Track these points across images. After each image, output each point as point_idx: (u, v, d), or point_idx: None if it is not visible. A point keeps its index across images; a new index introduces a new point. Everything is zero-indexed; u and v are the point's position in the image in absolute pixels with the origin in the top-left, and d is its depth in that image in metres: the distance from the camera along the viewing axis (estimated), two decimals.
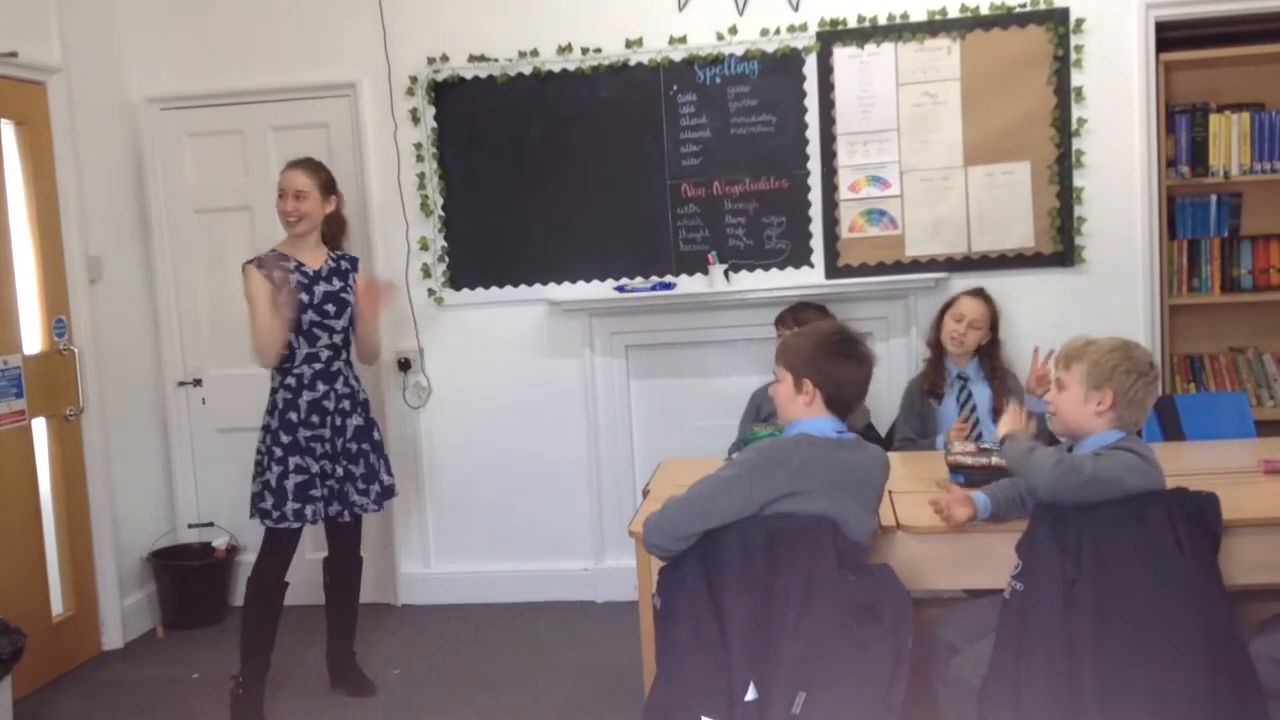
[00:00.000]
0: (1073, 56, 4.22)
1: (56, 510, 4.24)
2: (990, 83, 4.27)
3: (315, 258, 3.65)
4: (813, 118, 4.39)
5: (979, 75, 4.28)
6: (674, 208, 4.50)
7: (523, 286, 4.61)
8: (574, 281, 4.58)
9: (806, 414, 2.55)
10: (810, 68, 4.38)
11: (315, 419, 3.57)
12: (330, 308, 3.60)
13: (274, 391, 3.60)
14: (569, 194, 4.54)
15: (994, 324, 3.88)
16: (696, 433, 4.49)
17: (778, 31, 4.38)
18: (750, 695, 2.36)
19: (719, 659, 2.38)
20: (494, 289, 4.63)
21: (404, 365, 4.70)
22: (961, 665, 2.63)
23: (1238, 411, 3.85)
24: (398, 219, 4.64)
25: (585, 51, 4.47)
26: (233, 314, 4.22)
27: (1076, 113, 4.25)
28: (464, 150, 4.59)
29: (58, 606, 4.24)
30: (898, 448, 3.83)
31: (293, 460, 3.54)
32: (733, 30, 4.40)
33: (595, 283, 4.56)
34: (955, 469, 2.97)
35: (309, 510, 3.55)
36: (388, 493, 3.76)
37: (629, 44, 4.45)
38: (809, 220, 4.44)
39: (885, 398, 4.12)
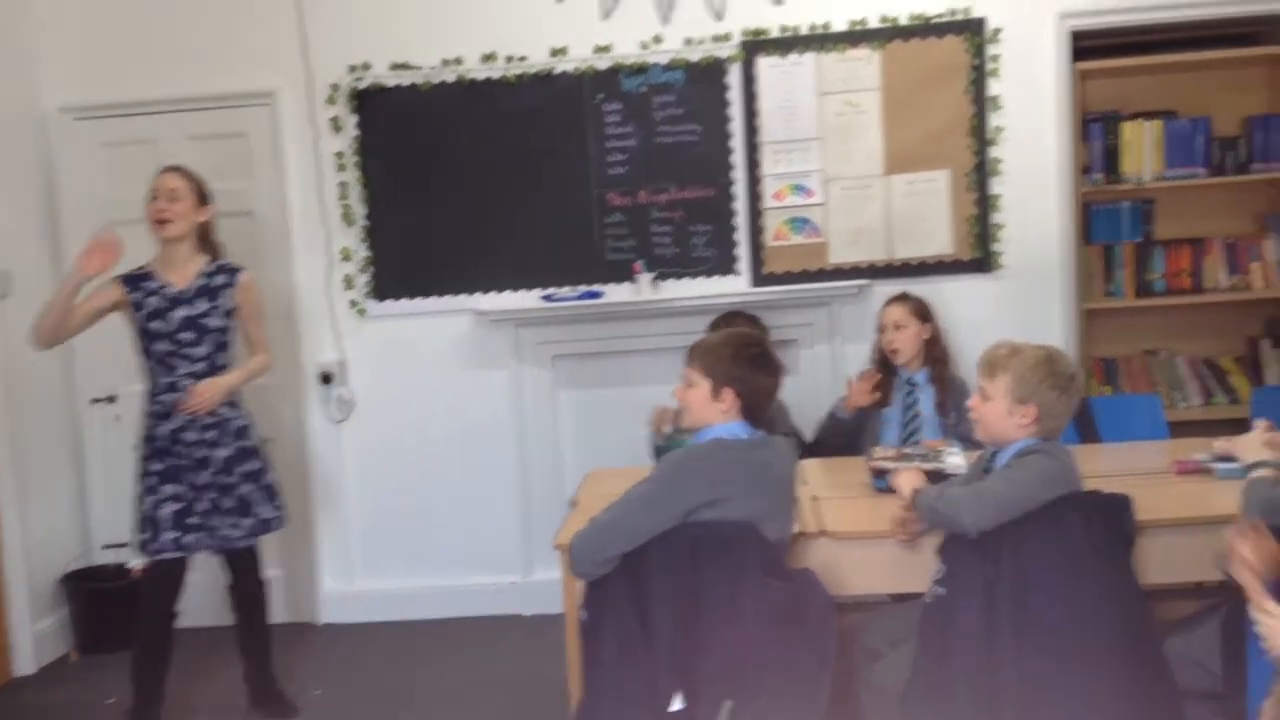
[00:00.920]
0: (989, 66, 4.29)
1: None
2: (910, 92, 4.33)
3: (183, 274, 3.51)
4: (737, 127, 4.42)
5: (899, 85, 4.33)
6: (600, 216, 4.49)
7: (448, 297, 4.56)
8: (500, 291, 4.54)
9: (721, 419, 2.59)
10: (734, 77, 4.40)
11: (179, 449, 3.46)
12: (187, 335, 3.46)
13: (143, 416, 3.50)
14: (494, 203, 4.50)
15: (925, 316, 3.89)
16: (625, 442, 4.44)
17: (702, 41, 4.39)
18: (677, 705, 2.37)
19: (646, 670, 2.39)
20: (418, 299, 4.57)
21: (326, 379, 4.62)
22: (885, 670, 2.66)
23: (1151, 413, 3.94)
24: (319, 229, 4.56)
25: (510, 60, 4.44)
26: None
27: (994, 121, 4.32)
28: (387, 159, 4.53)
29: None
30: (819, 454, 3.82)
31: (166, 489, 3.44)
32: (657, 39, 4.40)
33: (522, 292, 4.53)
34: (878, 474, 2.99)
35: (188, 539, 3.44)
36: (264, 526, 3.58)
37: (554, 52, 4.43)
38: (734, 229, 4.46)
39: (811, 406, 4.13)
